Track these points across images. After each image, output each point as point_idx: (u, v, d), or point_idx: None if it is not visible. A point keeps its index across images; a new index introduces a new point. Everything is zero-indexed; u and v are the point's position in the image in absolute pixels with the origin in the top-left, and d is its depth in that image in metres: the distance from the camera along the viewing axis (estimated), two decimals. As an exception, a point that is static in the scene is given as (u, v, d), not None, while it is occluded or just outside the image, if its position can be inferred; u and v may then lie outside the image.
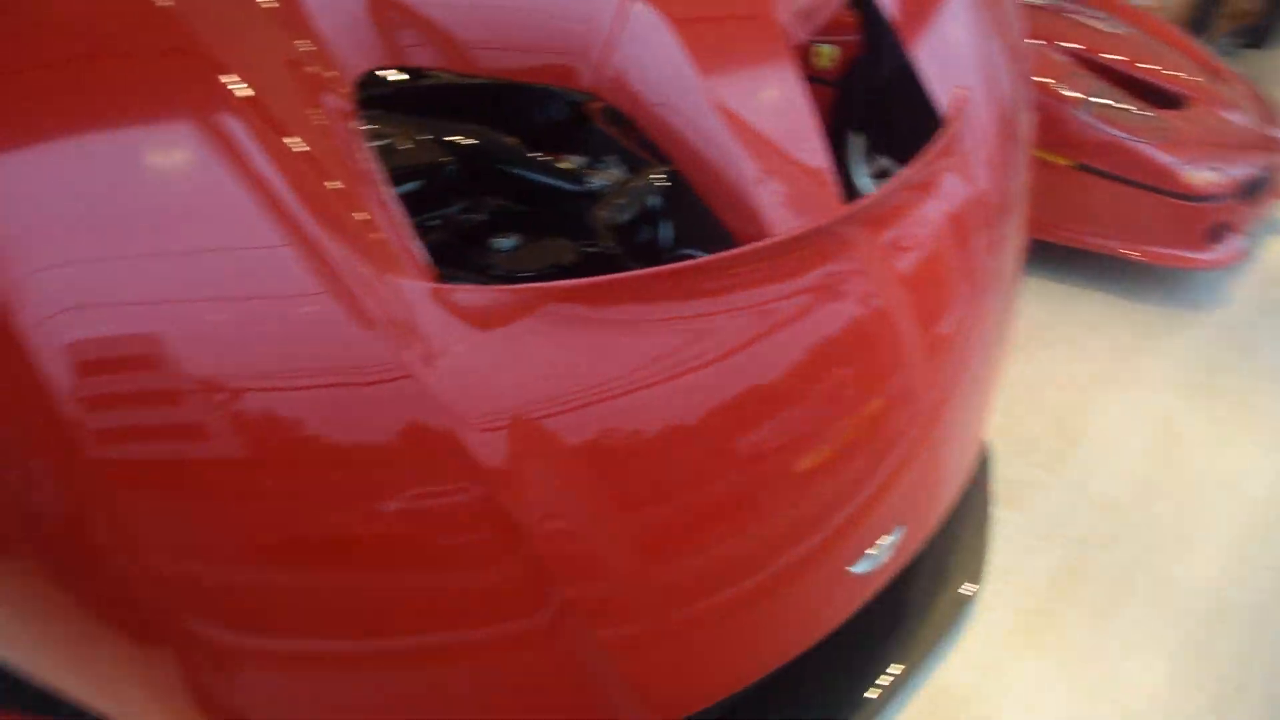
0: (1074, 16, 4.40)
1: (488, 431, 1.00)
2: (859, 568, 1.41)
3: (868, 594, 1.50)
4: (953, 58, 1.88)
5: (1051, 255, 3.76)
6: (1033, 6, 4.38)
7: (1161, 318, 3.47)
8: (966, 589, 1.96)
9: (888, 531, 1.45)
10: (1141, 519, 2.40)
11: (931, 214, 1.54)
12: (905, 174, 1.51)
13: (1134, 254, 3.56)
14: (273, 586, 1.02)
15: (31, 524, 0.96)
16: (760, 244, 1.26)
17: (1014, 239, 1.92)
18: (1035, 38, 3.88)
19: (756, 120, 1.41)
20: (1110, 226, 3.58)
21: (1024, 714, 1.86)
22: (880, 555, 1.44)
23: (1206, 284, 3.79)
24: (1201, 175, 3.48)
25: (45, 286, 0.89)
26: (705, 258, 1.21)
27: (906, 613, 1.86)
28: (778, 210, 1.36)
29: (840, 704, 1.69)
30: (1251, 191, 3.74)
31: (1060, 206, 3.60)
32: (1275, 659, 2.04)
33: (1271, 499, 2.56)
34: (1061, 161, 3.53)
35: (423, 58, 1.30)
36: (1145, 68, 3.96)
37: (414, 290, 1.01)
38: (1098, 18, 4.45)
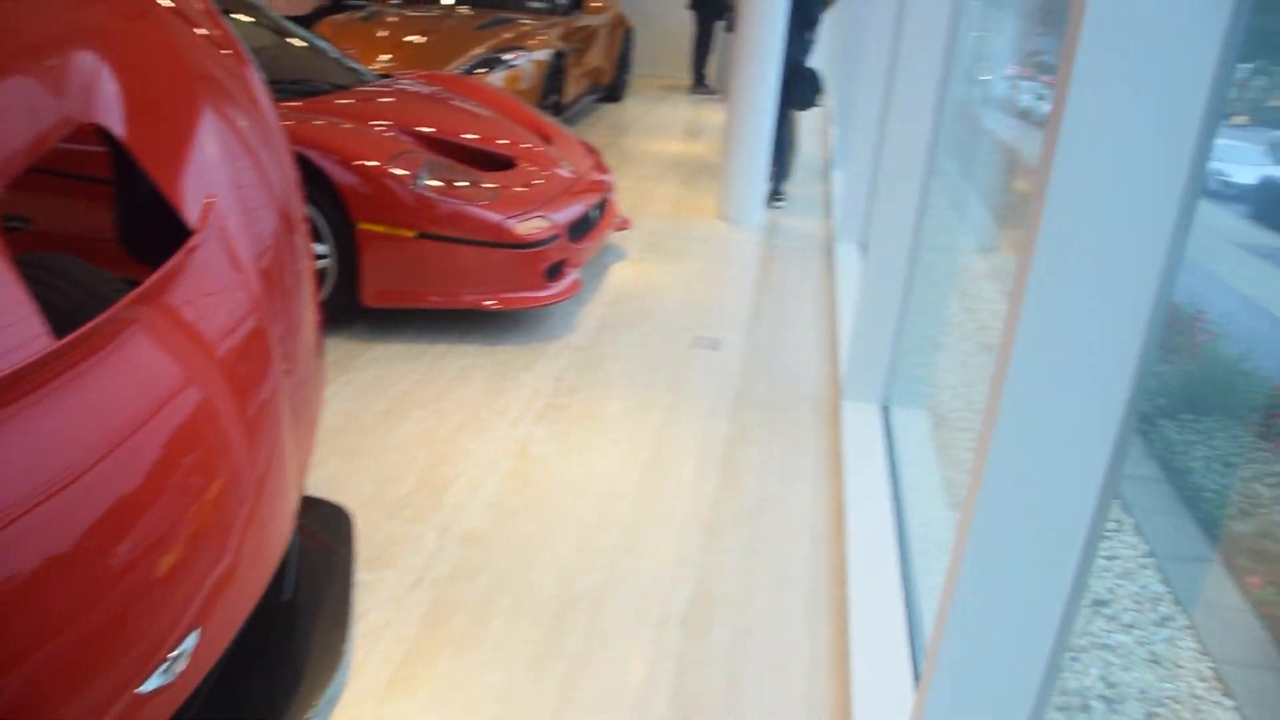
0: (436, 100, 4.80)
1: None
2: (150, 685, 1.48)
3: (170, 710, 1.56)
4: (202, 172, 2.01)
5: (423, 321, 4.09)
6: (403, 94, 4.73)
7: (521, 355, 3.91)
8: (330, 662, 2.10)
9: (180, 640, 1.54)
10: (503, 542, 2.71)
11: (181, 309, 1.65)
12: (151, 280, 1.61)
13: (490, 303, 3.97)
14: None
15: None
16: None
17: (300, 318, 2.10)
18: (394, 123, 4.20)
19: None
20: (465, 283, 3.96)
21: (396, 755, 2.04)
22: (174, 667, 1.52)
23: (560, 316, 4.32)
24: (527, 225, 3.96)
25: None
26: None
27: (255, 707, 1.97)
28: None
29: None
30: (580, 231, 4.33)
31: (416, 274, 3.91)
32: (613, 626, 2.41)
33: (611, 491, 3.00)
34: (407, 234, 3.84)
35: None
36: (472, 139, 4.43)
37: None
38: (461, 101, 4.91)
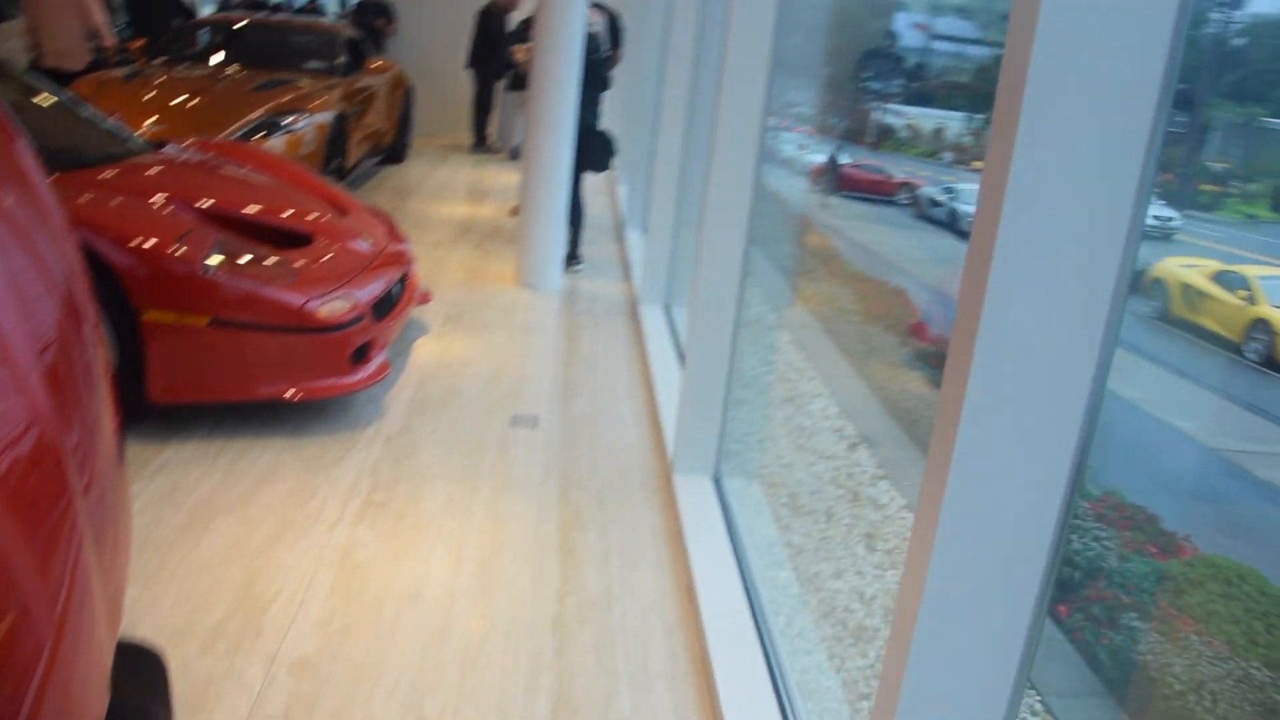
0: (215, 171, 4.46)
1: None
2: None
3: None
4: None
5: (218, 415, 3.75)
6: (179, 164, 4.37)
7: (331, 447, 3.64)
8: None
9: None
10: (337, 668, 2.46)
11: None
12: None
13: (293, 394, 3.68)
14: None
15: None
16: None
17: (96, 421, 1.83)
18: (171, 197, 3.83)
19: None
20: (264, 373, 3.66)
21: None
22: None
23: (368, 401, 4.06)
24: (330, 307, 3.71)
25: None
26: None
27: None
28: None
29: None
30: (384, 309, 4.10)
31: (210, 366, 3.58)
32: (469, 760, 2.22)
33: (447, 596, 2.80)
34: (198, 321, 3.52)
35: None
36: (263, 212, 4.13)
37: None
38: (244, 171, 4.57)
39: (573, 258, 6.55)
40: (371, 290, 4.01)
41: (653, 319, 5.37)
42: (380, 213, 4.96)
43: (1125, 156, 1.16)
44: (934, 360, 7.23)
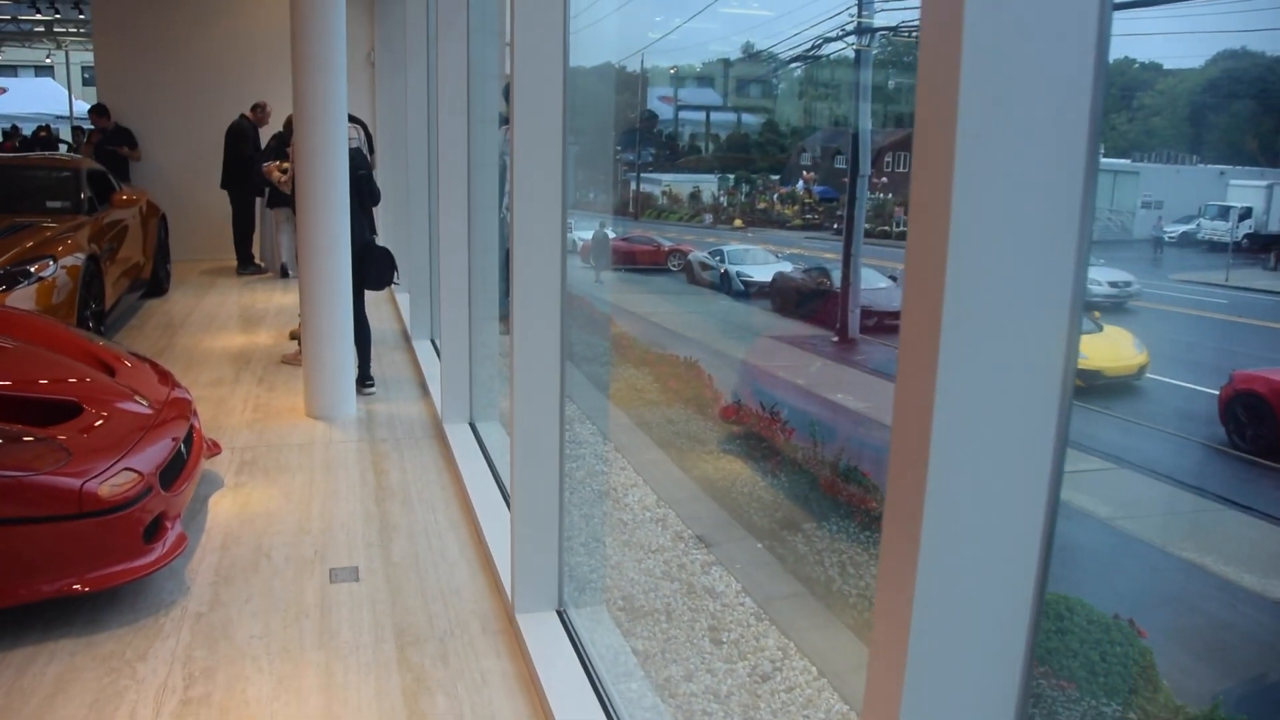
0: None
1: None
2: None
3: None
4: None
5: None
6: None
7: (130, 640, 3.26)
8: None
9: None
10: None
11: None
12: None
13: (79, 588, 3.28)
14: None
15: None
16: None
17: None
18: None
19: None
20: (42, 571, 3.25)
21: None
22: None
23: (166, 576, 3.68)
24: (112, 484, 3.36)
25: None
26: None
27: None
28: None
29: None
30: (173, 473, 3.75)
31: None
32: None
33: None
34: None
35: None
36: (14, 385, 3.72)
37: None
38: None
39: (364, 380, 6.28)
40: (156, 455, 3.66)
41: (461, 439, 5.18)
42: (152, 362, 4.59)
43: (1063, 212, 1.14)
44: (740, 436, 7.33)
